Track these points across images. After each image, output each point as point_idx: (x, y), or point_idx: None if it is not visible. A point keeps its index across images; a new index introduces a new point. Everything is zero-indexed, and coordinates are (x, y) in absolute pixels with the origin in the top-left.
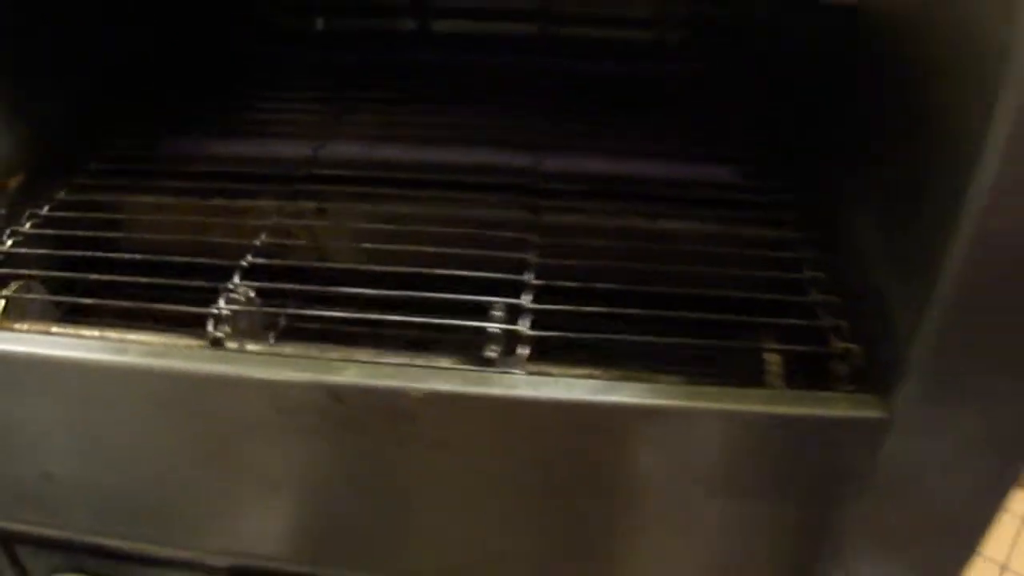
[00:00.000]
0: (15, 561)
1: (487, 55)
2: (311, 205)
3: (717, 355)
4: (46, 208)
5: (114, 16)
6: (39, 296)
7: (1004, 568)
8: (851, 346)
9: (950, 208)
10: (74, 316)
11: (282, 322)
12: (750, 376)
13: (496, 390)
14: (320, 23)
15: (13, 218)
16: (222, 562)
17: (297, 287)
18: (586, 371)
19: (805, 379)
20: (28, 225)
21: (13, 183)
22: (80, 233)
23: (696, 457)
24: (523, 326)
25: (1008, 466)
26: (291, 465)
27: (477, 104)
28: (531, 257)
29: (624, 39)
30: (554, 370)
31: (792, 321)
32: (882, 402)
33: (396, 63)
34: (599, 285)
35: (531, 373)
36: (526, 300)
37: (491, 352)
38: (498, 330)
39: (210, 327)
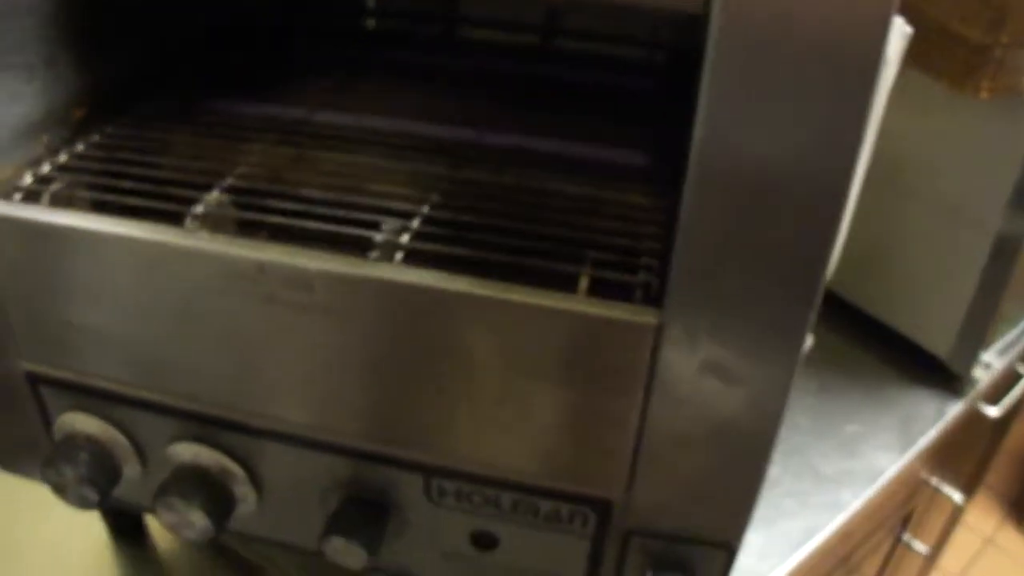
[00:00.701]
0: (38, 398)
1: (495, 61)
2: (291, 150)
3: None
4: (97, 137)
5: (178, 9)
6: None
7: None
8: (651, 279)
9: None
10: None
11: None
12: None
13: (368, 271)
14: (372, 23)
15: (70, 140)
16: (192, 407)
17: (262, 202)
18: None
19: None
20: (80, 147)
21: (78, 114)
22: (116, 155)
23: (509, 341)
24: (404, 237)
25: (773, 369)
26: (230, 322)
27: (463, 96)
28: (436, 195)
29: (617, 55)
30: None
31: (617, 258)
32: (654, 311)
33: (414, 61)
34: (480, 221)
35: (401, 265)
36: (416, 220)
37: (375, 249)
38: (385, 235)
39: (187, 221)
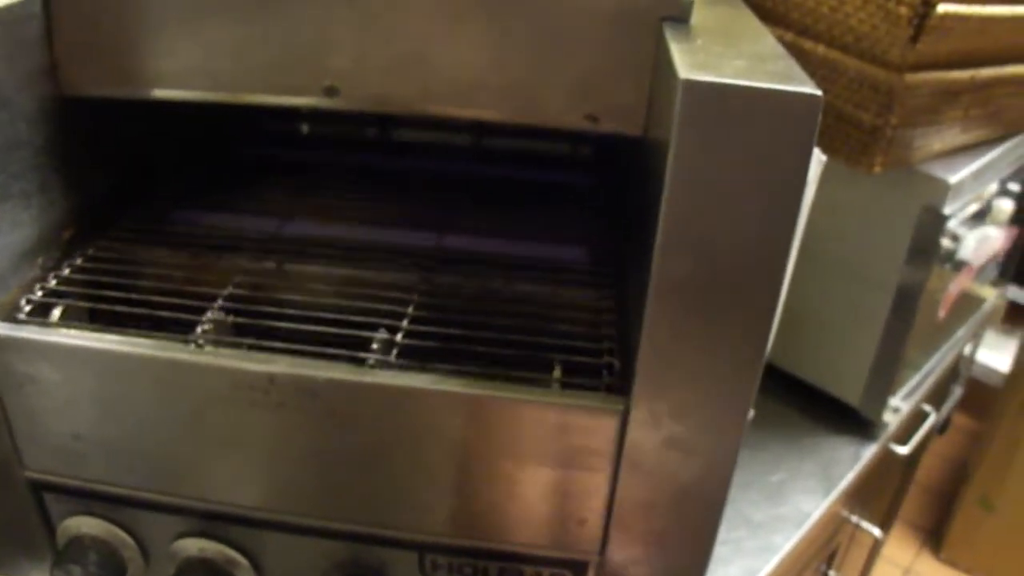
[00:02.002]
0: (41, 506)
1: (428, 160)
2: (272, 264)
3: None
4: (86, 256)
5: (138, 128)
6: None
7: None
8: (613, 361)
9: (648, 266)
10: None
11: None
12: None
13: (368, 378)
14: (305, 128)
15: (63, 259)
16: (198, 506)
17: (257, 319)
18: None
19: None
20: (77, 262)
21: (67, 234)
22: (105, 277)
23: (495, 430)
24: (397, 337)
25: (724, 440)
26: (238, 427)
27: (411, 198)
28: (417, 299)
29: (544, 150)
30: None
31: (585, 351)
32: (621, 399)
33: (356, 163)
34: (459, 317)
35: (397, 370)
36: (404, 323)
37: (372, 355)
38: (378, 343)
39: (194, 337)
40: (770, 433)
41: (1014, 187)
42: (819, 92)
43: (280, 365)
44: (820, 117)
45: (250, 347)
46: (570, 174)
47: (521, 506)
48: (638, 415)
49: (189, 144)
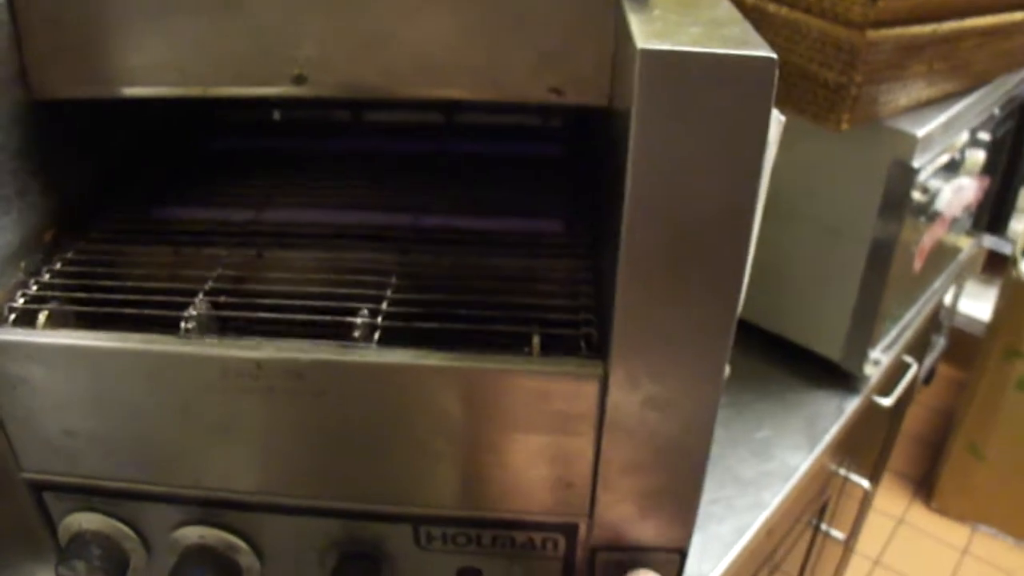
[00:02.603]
0: (41, 505)
1: (401, 140)
2: (252, 252)
3: (509, 342)
4: (70, 255)
5: (115, 126)
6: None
7: (876, 563)
8: (592, 331)
9: (618, 232)
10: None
11: (232, 329)
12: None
13: (353, 357)
14: (276, 115)
15: (47, 261)
16: (196, 494)
17: (241, 310)
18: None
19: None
20: (59, 266)
21: (48, 236)
22: (88, 276)
23: (479, 401)
24: (378, 319)
25: (702, 397)
26: (229, 413)
27: (386, 179)
28: (396, 278)
29: (515, 124)
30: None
31: (563, 318)
32: (600, 363)
33: (329, 148)
34: (438, 293)
35: (380, 348)
36: (384, 303)
37: (356, 334)
38: (361, 323)
39: (181, 328)
40: (754, 391)
41: (985, 136)
42: (774, 55)
43: (267, 350)
44: (776, 79)
45: (236, 335)
46: (542, 146)
47: (510, 474)
48: (617, 378)
49: (161, 139)
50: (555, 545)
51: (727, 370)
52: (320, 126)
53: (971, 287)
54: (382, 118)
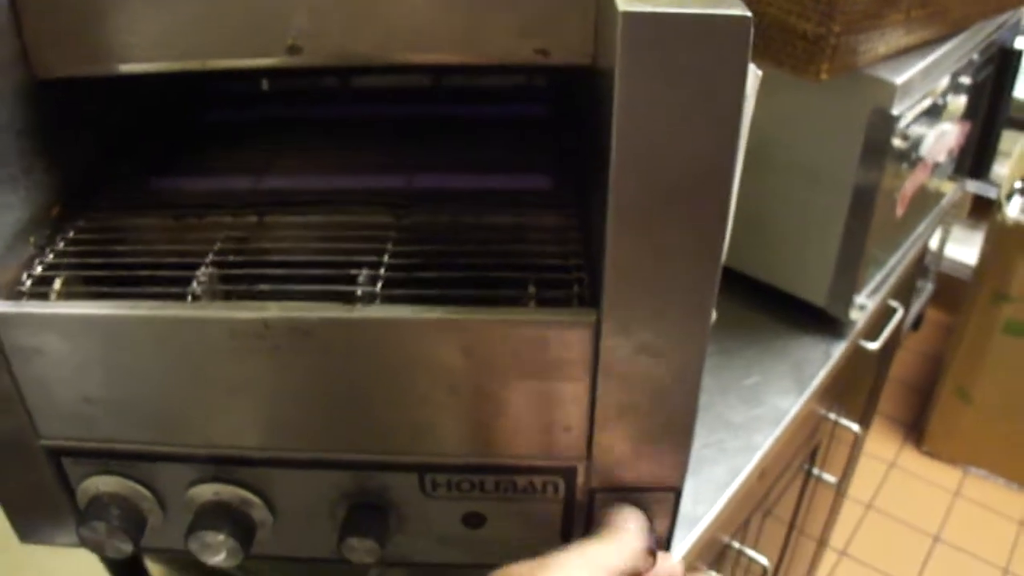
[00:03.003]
0: (60, 471)
1: (390, 105)
2: (253, 218)
3: (505, 294)
4: (76, 228)
5: (113, 102)
6: (81, 289)
7: (869, 507)
8: (583, 277)
9: (605, 186)
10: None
11: (237, 294)
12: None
13: (357, 314)
14: (264, 84)
15: (55, 235)
16: (209, 453)
17: (246, 271)
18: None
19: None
20: (67, 239)
21: (55, 211)
22: (95, 247)
23: (480, 352)
24: (380, 271)
25: (691, 341)
26: (239, 373)
27: (378, 143)
28: (394, 237)
29: (500, 85)
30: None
31: (555, 269)
32: (592, 311)
33: (319, 115)
34: (435, 250)
35: (383, 304)
36: (384, 258)
37: (358, 292)
38: (363, 281)
39: (188, 295)
40: (742, 339)
41: (966, 81)
42: (748, 13)
43: (273, 311)
44: (751, 36)
45: (242, 297)
46: (526, 107)
47: (511, 420)
48: (609, 325)
49: (156, 113)
50: (555, 488)
51: (713, 315)
52: (309, 94)
53: (957, 232)
54: (370, 83)
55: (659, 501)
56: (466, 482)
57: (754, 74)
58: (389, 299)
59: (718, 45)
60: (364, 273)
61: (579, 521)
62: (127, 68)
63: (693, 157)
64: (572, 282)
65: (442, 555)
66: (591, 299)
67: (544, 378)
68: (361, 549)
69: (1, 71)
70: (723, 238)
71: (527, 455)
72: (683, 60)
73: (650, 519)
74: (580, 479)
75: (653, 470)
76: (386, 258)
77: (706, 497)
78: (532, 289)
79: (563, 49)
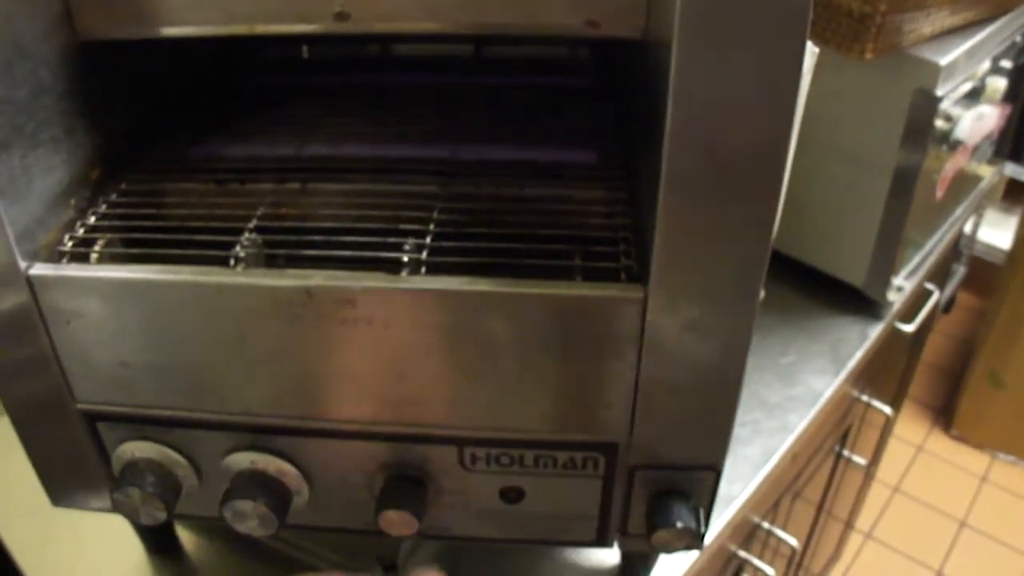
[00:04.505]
0: (95, 435)
1: (432, 74)
2: (296, 185)
3: (552, 267)
4: (117, 192)
5: (151, 66)
6: (119, 250)
7: (896, 490)
8: (631, 250)
9: (658, 161)
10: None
11: (281, 260)
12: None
13: (402, 284)
14: (305, 52)
15: (95, 199)
16: (246, 421)
17: (289, 237)
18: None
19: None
20: (108, 202)
21: (95, 174)
22: (136, 210)
23: (525, 325)
24: (426, 240)
25: (738, 320)
26: (280, 341)
27: (420, 112)
28: (439, 206)
29: (544, 55)
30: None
31: (602, 243)
32: (640, 287)
33: (361, 82)
34: (481, 221)
35: (429, 275)
36: (431, 226)
37: (404, 259)
38: (409, 250)
39: (231, 260)
40: (779, 318)
41: (1007, 64)
42: None
43: (317, 279)
44: (811, 10)
45: (286, 264)
46: (570, 77)
47: (552, 395)
48: (656, 301)
49: (198, 78)
50: (595, 464)
51: (761, 294)
52: (351, 61)
53: (991, 215)
54: (412, 51)
55: (699, 480)
56: (505, 456)
57: (811, 51)
58: (434, 268)
59: (778, 18)
60: (410, 242)
61: (618, 497)
62: (171, 31)
63: (749, 131)
64: (619, 255)
65: (478, 529)
66: (639, 274)
67: (589, 353)
68: (399, 521)
69: (45, 33)
70: (775, 216)
71: (569, 429)
72: (742, 34)
73: (689, 497)
74: (621, 456)
75: (694, 448)
76: (431, 227)
77: (741, 475)
78: (579, 261)
79: (614, 21)
